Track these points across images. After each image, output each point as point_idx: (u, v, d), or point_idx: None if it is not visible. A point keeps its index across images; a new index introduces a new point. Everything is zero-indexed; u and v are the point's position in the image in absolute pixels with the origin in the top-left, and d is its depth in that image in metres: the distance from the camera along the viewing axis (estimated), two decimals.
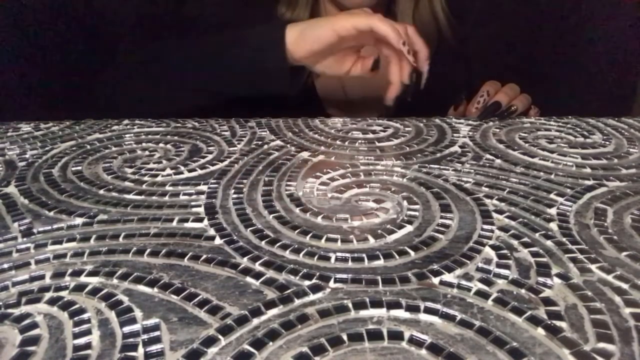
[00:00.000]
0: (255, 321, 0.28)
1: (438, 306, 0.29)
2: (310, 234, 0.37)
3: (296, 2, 0.78)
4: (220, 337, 0.27)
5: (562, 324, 0.28)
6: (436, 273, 0.32)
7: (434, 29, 0.79)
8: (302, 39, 0.58)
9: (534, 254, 0.35)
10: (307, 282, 0.32)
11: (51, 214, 0.40)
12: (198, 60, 0.65)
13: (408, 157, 0.51)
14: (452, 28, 0.79)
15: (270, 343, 0.27)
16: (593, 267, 0.33)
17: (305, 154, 0.52)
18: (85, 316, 0.29)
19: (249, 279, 0.32)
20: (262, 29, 0.62)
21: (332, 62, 0.60)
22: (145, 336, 0.27)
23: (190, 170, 0.48)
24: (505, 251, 0.35)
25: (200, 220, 0.39)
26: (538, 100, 0.68)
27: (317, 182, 0.45)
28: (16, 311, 0.29)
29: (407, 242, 0.36)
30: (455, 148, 0.53)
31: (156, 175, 0.47)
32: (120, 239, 0.37)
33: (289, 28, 0.59)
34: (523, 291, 0.31)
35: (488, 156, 0.51)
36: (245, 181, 0.45)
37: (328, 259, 0.34)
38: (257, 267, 0.33)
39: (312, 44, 0.58)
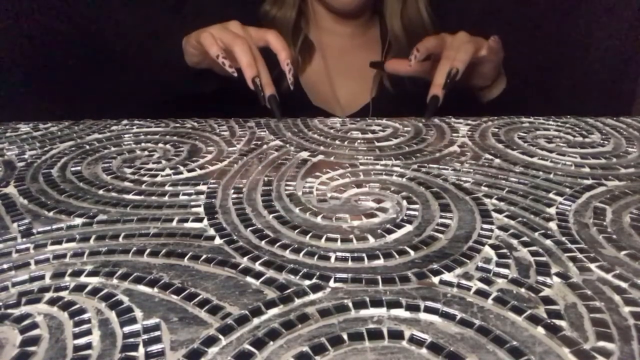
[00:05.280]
0: (256, 321, 0.28)
1: (438, 305, 0.29)
2: (310, 234, 0.37)
3: (282, 1, 0.78)
4: (220, 336, 0.27)
5: (562, 323, 0.28)
6: (436, 272, 0.33)
7: (422, 27, 0.80)
8: (185, 52, 0.66)
9: (534, 253, 0.35)
10: (307, 282, 0.32)
11: (50, 214, 0.40)
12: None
13: (407, 156, 0.51)
14: (435, 26, 0.80)
15: (271, 343, 0.27)
16: (592, 266, 0.33)
17: (304, 154, 0.52)
18: (85, 316, 0.29)
19: (249, 279, 0.32)
20: (172, 40, 0.70)
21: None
22: (145, 336, 0.27)
23: (189, 170, 0.48)
24: (504, 250, 0.35)
25: (200, 220, 0.39)
26: (538, 99, 0.68)
27: (316, 182, 0.45)
28: (16, 311, 0.29)
29: (406, 241, 0.36)
30: (455, 148, 0.53)
31: (155, 176, 0.47)
32: (120, 239, 0.37)
33: (183, 41, 0.67)
34: (523, 290, 0.31)
35: (487, 156, 0.51)
36: (244, 181, 0.45)
37: (328, 258, 0.34)
38: (257, 267, 0.33)
39: (192, 56, 0.66)
